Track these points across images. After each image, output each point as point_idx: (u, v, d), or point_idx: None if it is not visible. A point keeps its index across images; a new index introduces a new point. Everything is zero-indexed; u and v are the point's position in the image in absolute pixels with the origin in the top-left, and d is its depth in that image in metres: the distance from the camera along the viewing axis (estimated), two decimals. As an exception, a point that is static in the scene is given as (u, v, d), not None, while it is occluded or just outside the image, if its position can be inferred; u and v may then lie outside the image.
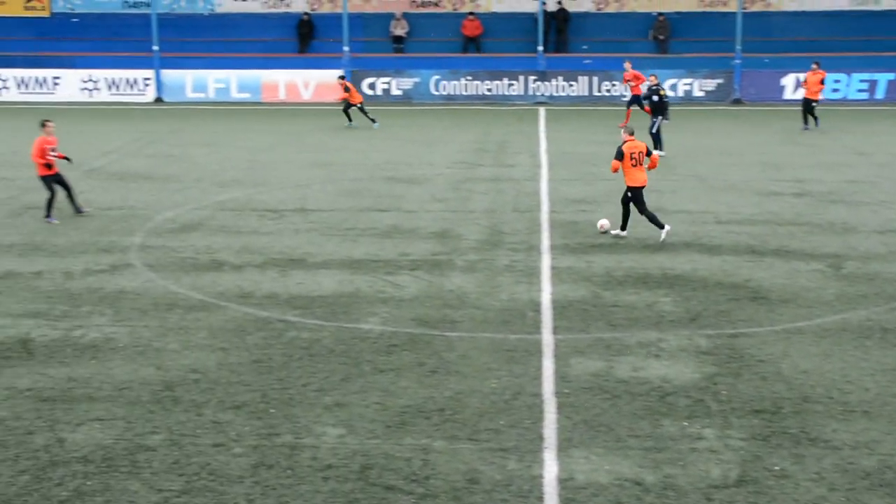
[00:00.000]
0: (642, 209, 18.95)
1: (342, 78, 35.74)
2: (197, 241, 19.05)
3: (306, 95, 41.32)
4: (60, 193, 20.92)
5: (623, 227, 19.22)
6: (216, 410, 11.57)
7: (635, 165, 18.80)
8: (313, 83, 41.24)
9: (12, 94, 41.91)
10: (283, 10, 44.88)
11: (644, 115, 32.37)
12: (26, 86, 41.93)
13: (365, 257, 17.87)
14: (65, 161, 21.13)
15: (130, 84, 41.82)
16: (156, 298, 15.65)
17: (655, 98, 27.94)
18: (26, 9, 45.18)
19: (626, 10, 44.12)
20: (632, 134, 19.09)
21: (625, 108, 34.04)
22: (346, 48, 41.24)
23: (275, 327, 14.33)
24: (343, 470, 10.19)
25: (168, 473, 10.13)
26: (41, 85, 41.89)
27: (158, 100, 41.62)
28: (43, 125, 21.00)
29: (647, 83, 29.34)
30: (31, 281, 16.59)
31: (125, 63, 42.23)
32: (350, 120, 34.14)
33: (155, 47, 41.44)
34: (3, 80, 41.99)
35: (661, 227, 18.84)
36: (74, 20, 44.97)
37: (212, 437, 10.92)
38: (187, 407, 11.67)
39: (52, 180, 20.73)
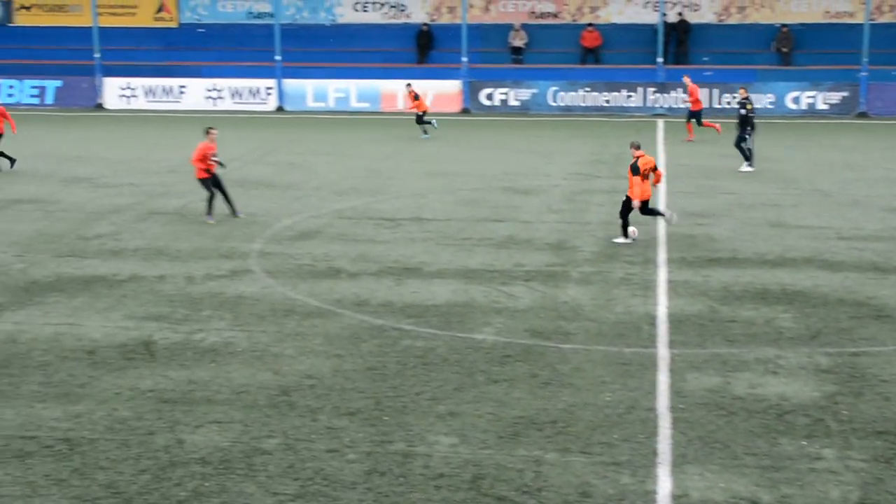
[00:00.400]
0: (624, 214, 19.46)
1: (409, 85, 35.91)
2: (315, 248, 19.31)
3: (425, 105, 41.54)
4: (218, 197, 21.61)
5: (625, 235, 19.53)
6: (331, 416, 11.70)
7: (643, 180, 19.26)
8: (431, 93, 41.48)
9: (140, 103, 43.05)
10: (402, 20, 45.27)
11: (704, 129, 32.29)
12: (154, 94, 43.04)
13: (480, 267, 17.91)
14: (219, 167, 21.64)
15: (253, 93, 42.63)
16: (274, 304, 15.90)
17: (743, 112, 27.64)
18: (156, 19, 46.42)
19: (748, 21, 43.46)
20: (639, 148, 19.43)
21: (696, 124, 33.70)
22: (464, 59, 41.43)
23: (389, 335, 14.44)
24: (455, 479, 10.22)
25: (283, 477, 10.28)
26: (168, 93, 42.96)
27: (280, 109, 42.34)
28: (207, 132, 21.60)
29: (739, 97, 29.00)
30: (154, 284, 17.00)
31: (248, 72, 43.08)
32: (426, 132, 34.43)
33: (277, 57, 42.18)
34: (132, 89, 43.17)
35: (626, 235, 19.51)
36: (201, 30, 46.02)
37: (326, 442, 11.04)
38: (302, 412, 11.83)
39: (211, 183, 21.38)
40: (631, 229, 19.65)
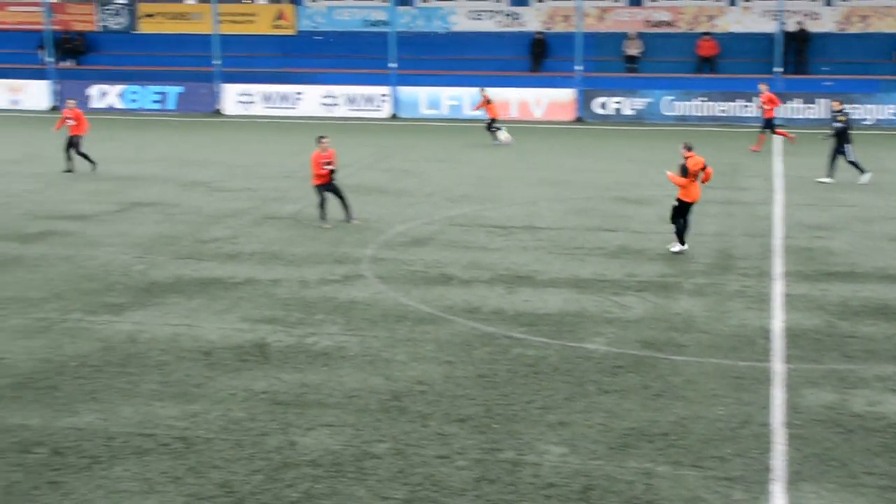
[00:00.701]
0: (677, 219, 19.34)
1: (483, 90, 35.90)
2: (427, 254, 19.41)
3: (538, 114, 41.56)
4: (333, 202, 21.90)
5: (682, 242, 19.49)
6: (441, 422, 11.75)
7: (693, 181, 19.22)
8: (545, 101, 41.46)
9: (258, 109, 43.78)
10: (516, 28, 45.27)
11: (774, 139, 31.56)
12: (271, 100, 43.74)
13: (592, 277, 17.82)
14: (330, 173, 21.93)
15: (368, 100, 43.05)
16: (386, 310, 16.03)
17: (836, 125, 27.00)
18: (274, 27, 47.19)
19: (871, 30, 42.45)
20: (690, 149, 19.32)
21: (759, 132, 33.18)
22: (578, 67, 41.28)
23: (500, 343, 14.45)
24: (564, 489, 10.17)
25: (392, 482, 10.35)
26: (284, 100, 43.63)
27: (394, 116, 42.68)
28: (318, 141, 21.90)
29: (832, 108, 28.32)
30: (269, 288, 17.27)
31: (363, 79, 43.51)
32: (495, 137, 34.45)
33: (392, 64, 42.54)
34: (250, 95, 43.94)
35: (682, 243, 19.36)
36: (318, 38, 46.63)
37: (436, 448, 11.09)
38: (413, 417, 11.90)
39: (324, 189, 21.72)
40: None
